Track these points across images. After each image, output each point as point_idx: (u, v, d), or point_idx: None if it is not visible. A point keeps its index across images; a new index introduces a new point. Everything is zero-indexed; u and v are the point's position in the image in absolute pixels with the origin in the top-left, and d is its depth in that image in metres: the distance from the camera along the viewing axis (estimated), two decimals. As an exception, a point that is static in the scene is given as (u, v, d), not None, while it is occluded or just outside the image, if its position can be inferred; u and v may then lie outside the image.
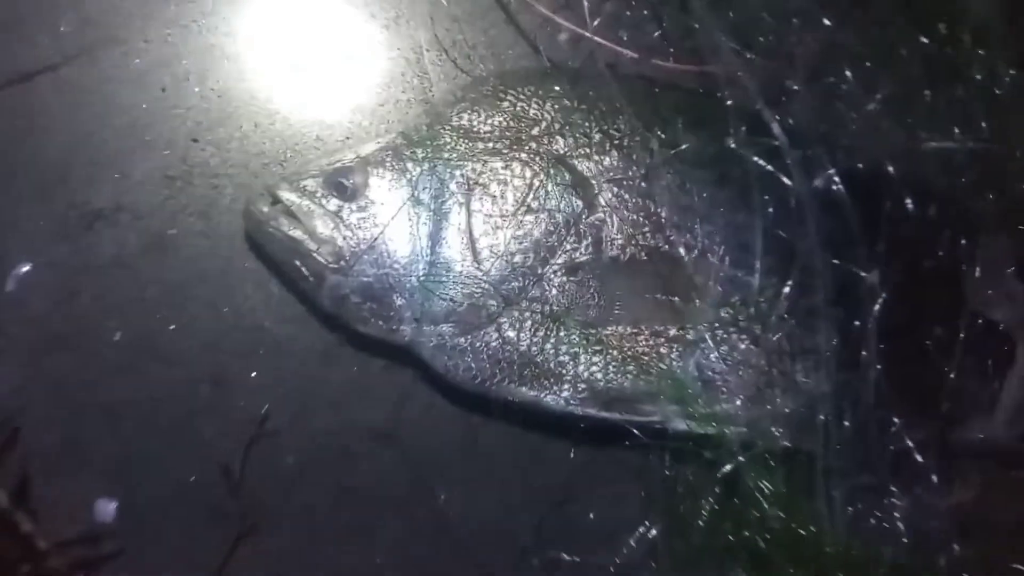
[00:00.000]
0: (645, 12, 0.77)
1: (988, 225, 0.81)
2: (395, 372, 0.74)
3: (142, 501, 0.70)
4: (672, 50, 0.77)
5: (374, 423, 0.74)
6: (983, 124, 0.83)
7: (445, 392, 0.74)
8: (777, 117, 0.75)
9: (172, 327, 0.73)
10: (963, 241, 0.81)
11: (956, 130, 0.82)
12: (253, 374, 0.73)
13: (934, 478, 0.76)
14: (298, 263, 0.69)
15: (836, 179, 0.75)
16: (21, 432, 0.67)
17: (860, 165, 0.80)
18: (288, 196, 0.69)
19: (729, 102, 0.73)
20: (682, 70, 0.76)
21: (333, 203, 0.68)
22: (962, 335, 0.81)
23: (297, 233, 0.68)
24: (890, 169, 0.81)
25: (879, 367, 0.78)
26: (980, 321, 0.83)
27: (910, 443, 0.78)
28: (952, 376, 0.81)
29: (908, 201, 0.81)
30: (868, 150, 0.82)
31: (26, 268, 0.71)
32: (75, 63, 0.73)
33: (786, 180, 0.73)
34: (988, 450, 0.83)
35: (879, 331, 0.79)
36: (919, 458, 0.78)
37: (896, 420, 0.79)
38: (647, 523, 0.71)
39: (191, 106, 0.76)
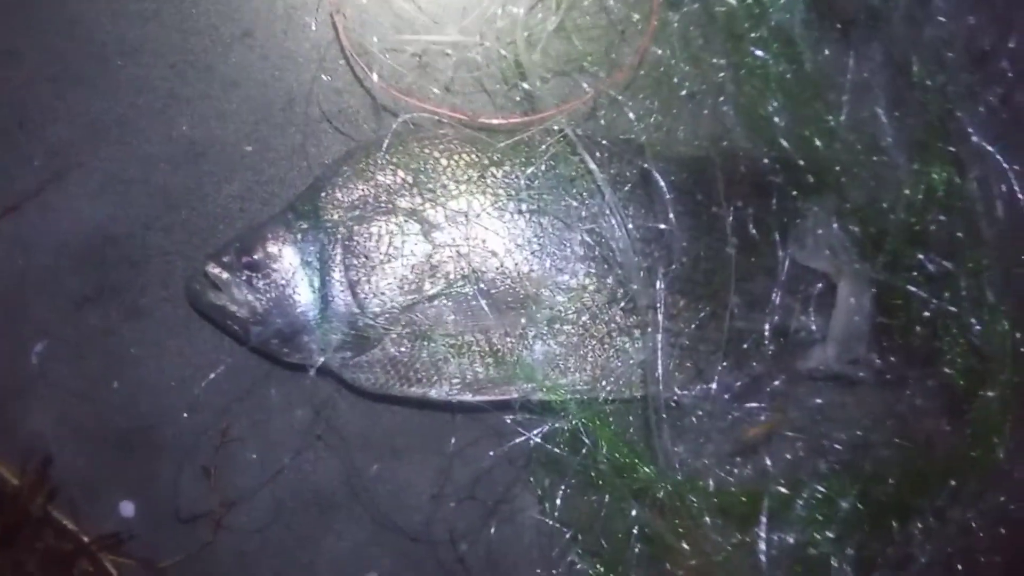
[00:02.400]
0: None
1: (814, 188, 0.95)
2: (321, 381, 0.94)
3: (151, 496, 0.95)
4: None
5: (311, 421, 0.95)
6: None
7: (359, 393, 0.94)
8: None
9: (150, 368, 0.96)
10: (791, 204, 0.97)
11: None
12: (217, 397, 0.95)
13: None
14: (229, 321, 0.90)
15: (651, 177, 0.93)
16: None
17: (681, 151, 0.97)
18: (212, 272, 0.89)
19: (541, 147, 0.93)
20: (508, 123, 0.94)
21: (244, 273, 0.88)
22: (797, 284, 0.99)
23: (222, 300, 0.89)
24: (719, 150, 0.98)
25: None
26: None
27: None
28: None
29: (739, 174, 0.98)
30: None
31: (41, 346, 0.96)
32: (44, 194, 0.95)
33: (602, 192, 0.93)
34: (825, 375, 1.00)
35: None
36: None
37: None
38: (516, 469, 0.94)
39: (142, 204, 0.97)
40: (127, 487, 0.95)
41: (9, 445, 0.93)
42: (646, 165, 0.91)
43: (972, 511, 0.90)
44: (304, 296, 0.89)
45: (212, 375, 0.94)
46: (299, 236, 0.90)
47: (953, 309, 0.95)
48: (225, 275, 0.90)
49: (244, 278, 0.89)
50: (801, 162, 0.95)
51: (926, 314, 0.96)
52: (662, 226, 0.91)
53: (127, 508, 0.94)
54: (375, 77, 0.94)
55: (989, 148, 0.90)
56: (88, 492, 0.94)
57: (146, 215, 0.97)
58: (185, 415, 0.95)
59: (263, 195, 0.99)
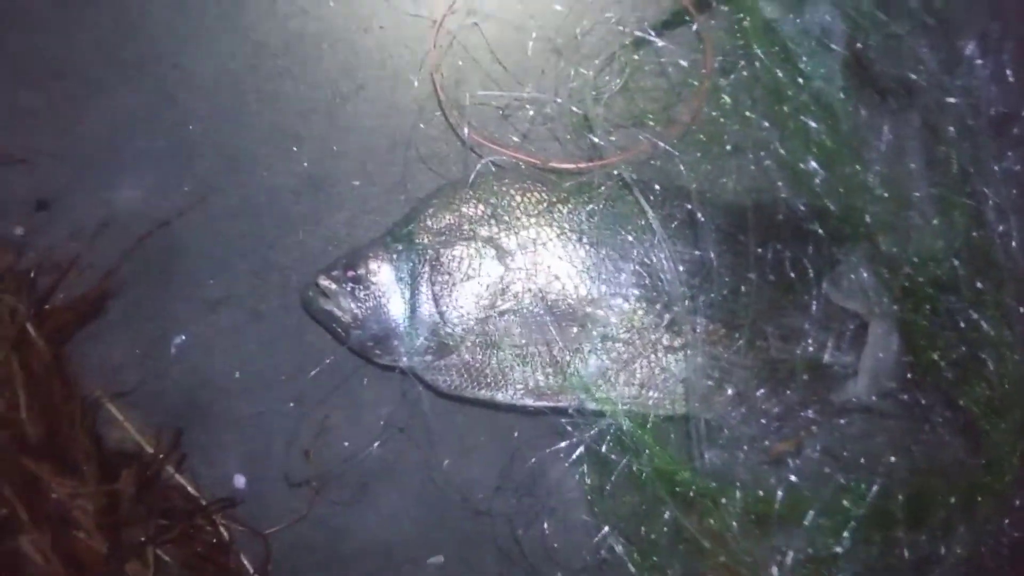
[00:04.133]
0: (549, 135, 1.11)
1: (849, 237, 1.04)
2: (406, 381, 1.06)
3: (260, 473, 1.09)
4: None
5: (396, 415, 1.08)
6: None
7: (437, 394, 1.06)
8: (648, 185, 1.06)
9: (266, 363, 1.10)
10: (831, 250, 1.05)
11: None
12: (319, 391, 1.09)
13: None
14: (334, 324, 1.04)
15: (696, 218, 1.04)
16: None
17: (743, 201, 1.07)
18: (323, 283, 1.03)
19: (602, 188, 1.06)
20: (575, 167, 1.07)
21: (349, 285, 1.03)
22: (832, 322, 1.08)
23: (330, 306, 1.02)
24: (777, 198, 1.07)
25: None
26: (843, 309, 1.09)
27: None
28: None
29: (783, 220, 1.07)
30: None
31: (180, 339, 1.12)
32: (190, 214, 1.12)
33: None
34: (856, 406, 1.07)
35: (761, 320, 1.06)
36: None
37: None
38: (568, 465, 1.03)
39: (268, 225, 1.12)
40: (240, 462, 1.09)
41: (148, 419, 1.08)
42: (691, 207, 1.02)
43: (981, 532, 0.96)
44: (396, 306, 1.03)
45: (315, 371, 1.08)
46: (395, 256, 1.03)
47: (973, 350, 1.02)
48: (333, 286, 1.03)
49: (349, 289, 1.03)
50: (836, 213, 1.03)
51: (951, 354, 1.03)
52: (697, 253, 1.01)
53: (240, 480, 1.08)
54: (465, 127, 1.09)
55: (989, 200, 0.97)
56: (209, 464, 1.08)
57: (270, 235, 1.12)
58: (292, 404, 1.10)
59: (367, 222, 1.13)
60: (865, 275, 1.05)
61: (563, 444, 1.02)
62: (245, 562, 1.03)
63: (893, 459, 1.03)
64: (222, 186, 1.13)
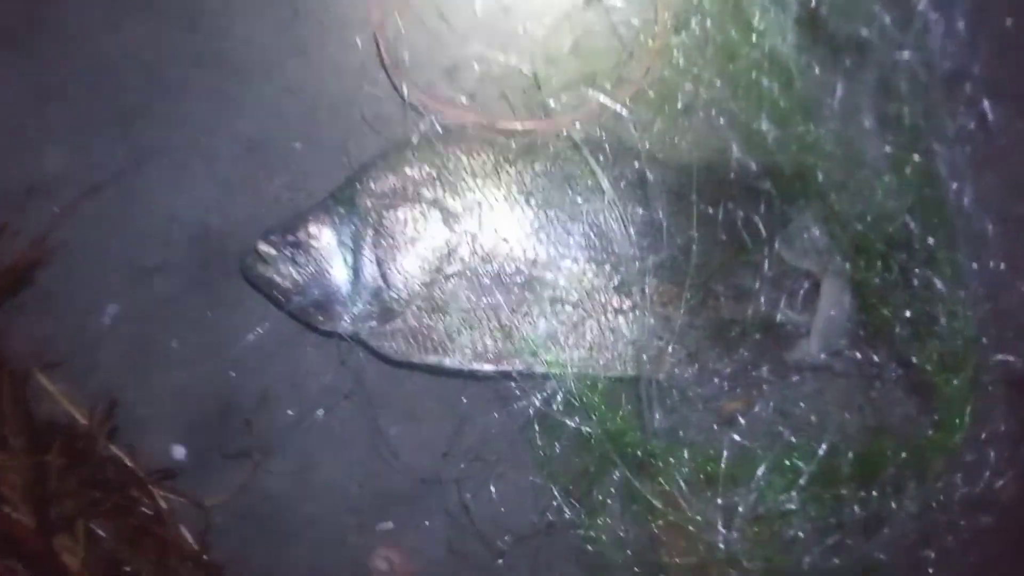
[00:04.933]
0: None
1: (801, 195, 1.02)
2: (345, 347, 1.03)
3: (200, 443, 1.06)
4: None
5: (342, 382, 1.05)
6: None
7: (384, 360, 1.04)
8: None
9: (204, 332, 1.07)
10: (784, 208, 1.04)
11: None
12: (262, 359, 1.06)
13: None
14: (274, 291, 1.00)
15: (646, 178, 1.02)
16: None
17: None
18: (263, 249, 0.99)
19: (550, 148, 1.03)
20: (523, 128, 1.03)
21: (289, 250, 0.99)
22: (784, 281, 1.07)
23: (270, 272, 0.99)
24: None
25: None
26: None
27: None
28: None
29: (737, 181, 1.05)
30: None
31: (113, 308, 1.08)
32: (125, 179, 1.08)
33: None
34: (808, 365, 1.08)
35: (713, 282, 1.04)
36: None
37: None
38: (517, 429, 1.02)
39: (206, 190, 1.08)
40: (180, 433, 1.06)
41: (81, 391, 1.04)
42: (638, 165, 1.00)
43: (931, 489, 0.96)
44: (339, 271, 0.99)
45: (252, 336, 1.05)
46: (337, 220, 1.00)
47: (925, 307, 1.01)
48: (273, 251, 1.00)
49: (289, 254, 1.00)
50: (789, 171, 1.02)
51: (904, 311, 1.01)
52: (647, 213, 0.99)
53: (179, 451, 1.05)
54: (405, 88, 1.05)
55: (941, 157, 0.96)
56: (147, 435, 1.05)
57: (208, 200, 1.08)
58: (233, 374, 1.06)
59: (309, 186, 1.08)
60: (817, 233, 1.04)
61: (512, 407, 0.99)
62: (185, 533, 1.00)
63: (847, 416, 1.01)
64: (158, 150, 1.09)
